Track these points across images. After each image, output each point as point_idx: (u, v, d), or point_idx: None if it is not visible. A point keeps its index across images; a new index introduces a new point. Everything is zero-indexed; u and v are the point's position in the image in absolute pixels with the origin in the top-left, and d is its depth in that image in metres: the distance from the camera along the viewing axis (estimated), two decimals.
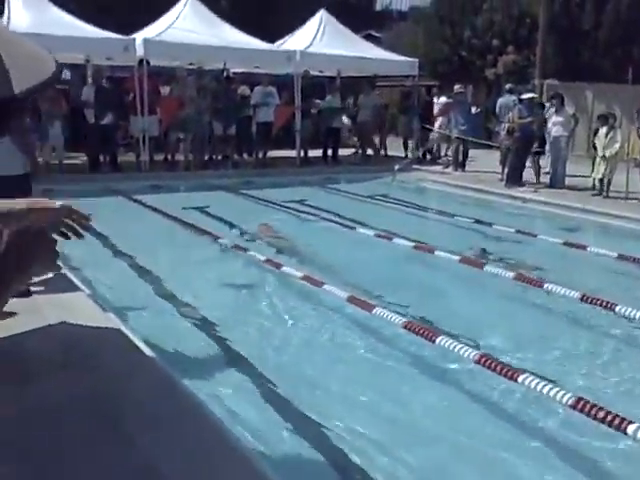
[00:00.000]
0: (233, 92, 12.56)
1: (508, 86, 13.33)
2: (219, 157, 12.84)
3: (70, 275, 5.02)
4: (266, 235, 7.31)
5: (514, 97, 12.00)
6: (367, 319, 4.53)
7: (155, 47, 11.17)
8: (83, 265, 5.74)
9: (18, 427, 2.62)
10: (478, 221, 8.14)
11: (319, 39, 13.50)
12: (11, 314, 3.91)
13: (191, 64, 12.66)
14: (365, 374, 3.90)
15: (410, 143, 14.37)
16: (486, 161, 12.99)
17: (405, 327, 4.12)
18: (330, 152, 13.76)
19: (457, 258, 6.05)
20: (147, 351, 3.54)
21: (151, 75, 11.47)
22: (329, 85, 14.67)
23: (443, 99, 13.94)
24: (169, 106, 11.64)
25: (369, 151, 14.11)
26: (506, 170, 11.16)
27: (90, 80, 12.22)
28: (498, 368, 3.45)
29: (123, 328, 3.92)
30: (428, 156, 14.49)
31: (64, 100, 11.55)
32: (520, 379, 3.31)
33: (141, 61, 11.14)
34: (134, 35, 11.75)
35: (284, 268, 5.60)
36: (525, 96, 11.36)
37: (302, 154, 13.29)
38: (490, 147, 13.23)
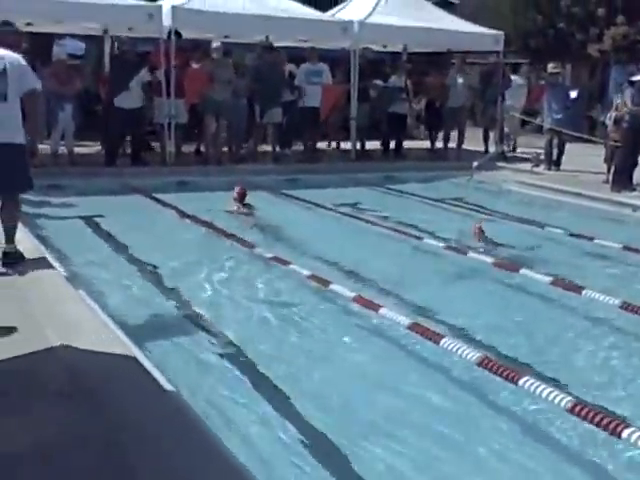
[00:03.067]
0: (277, 69, 12.53)
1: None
2: (258, 148, 12.90)
3: (76, 289, 5.15)
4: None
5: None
6: (434, 354, 4.50)
7: (184, 16, 11.33)
8: (91, 278, 5.87)
9: (12, 467, 2.70)
10: (574, 234, 7.99)
11: (381, 6, 13.52)
12: (10, 330, 4.05)
13: (226, 37, 12.82)
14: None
15: (492, 135, 14.21)
16: (587, 158, 12.71)
17: (480, 364, 4.06)
18: (393, 144, 13.76)
19: (548, 279, 5.96)
20: (165, 384, 3.60)
21: (181, 50, 11.62)
22: (393, 63, 14.63)
23: (517, 78, 13.86)
24: (197, 81, 11.65)
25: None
26: (612, 170, 10.94)
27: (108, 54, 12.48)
28: None
29: (138, 354, 3.99)
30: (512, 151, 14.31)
31: (78, 78, 11.82)
32: None
33: (170, 32, 11.28)
34: (160, 1, 12.01)
35: (332, 286, 5.62)
36: (637, 77, 11.09)
37: (358, 146, 13.34)
38: (593, 141, 12.95)
